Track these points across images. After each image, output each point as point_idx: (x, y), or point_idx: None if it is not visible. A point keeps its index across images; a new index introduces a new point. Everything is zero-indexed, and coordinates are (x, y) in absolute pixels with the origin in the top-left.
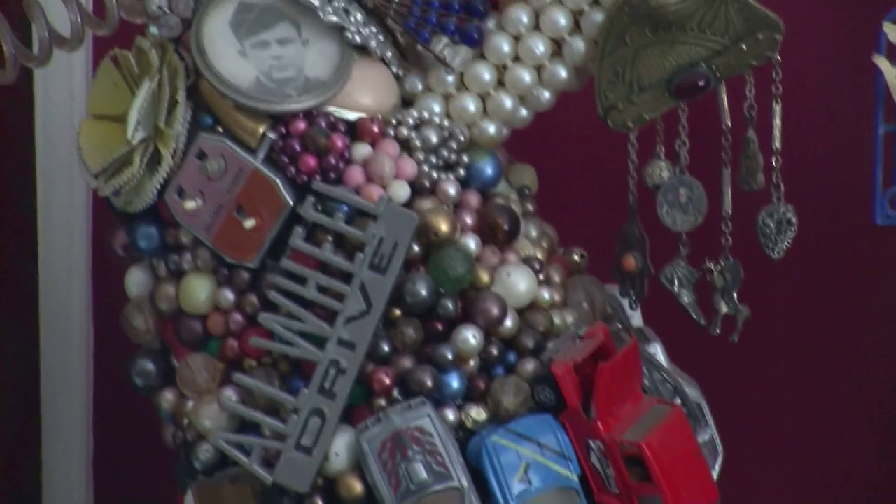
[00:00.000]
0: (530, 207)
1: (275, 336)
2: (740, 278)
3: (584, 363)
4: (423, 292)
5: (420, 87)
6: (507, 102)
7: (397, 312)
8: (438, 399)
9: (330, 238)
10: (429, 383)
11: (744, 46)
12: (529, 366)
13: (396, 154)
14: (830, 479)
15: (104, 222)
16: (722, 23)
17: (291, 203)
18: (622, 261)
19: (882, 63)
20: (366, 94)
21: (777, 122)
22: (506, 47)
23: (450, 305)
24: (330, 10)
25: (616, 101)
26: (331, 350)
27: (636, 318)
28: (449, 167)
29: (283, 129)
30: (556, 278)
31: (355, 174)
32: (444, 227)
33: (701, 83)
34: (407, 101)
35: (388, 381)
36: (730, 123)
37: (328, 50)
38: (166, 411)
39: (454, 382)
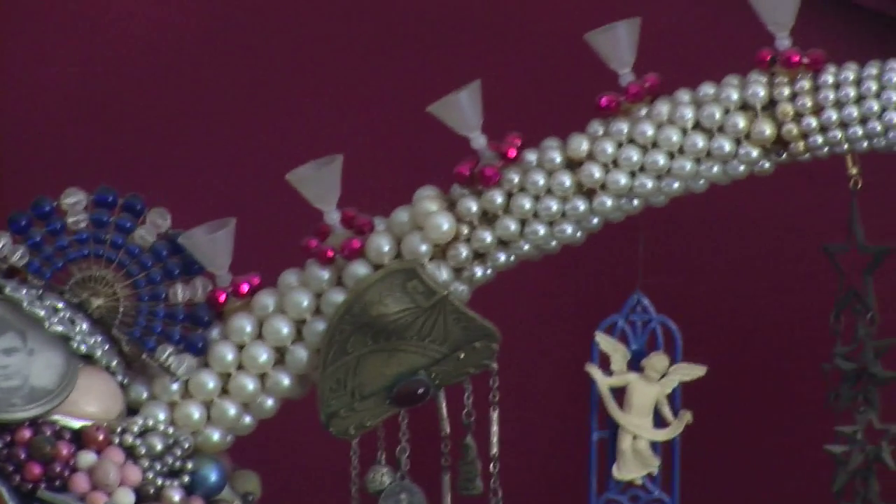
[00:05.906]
0: None
1: None
2: None
3: None
4: None
5: (145, 394)
6: (231, 410)
7: None
8: None
9: None
10: None
11: (462, 355)
12: None
13: (121, 461)
14: None
15: None
16: (441, 332)
17: None
18: None
19: (595, 372)
20: (91, 402)
21: (495, 428)
22: (230, 356)
23: None
24: (56, 319)
25: (338, 409)
26: None
27: None
28: (174, 474)
29: (9, 438)
30: None
31: (81, 481)
32: None
33: (420, 391)
34: (133, 409)
35: None
36: (449, 430)
37: (54, 359)
38: None
39: None
